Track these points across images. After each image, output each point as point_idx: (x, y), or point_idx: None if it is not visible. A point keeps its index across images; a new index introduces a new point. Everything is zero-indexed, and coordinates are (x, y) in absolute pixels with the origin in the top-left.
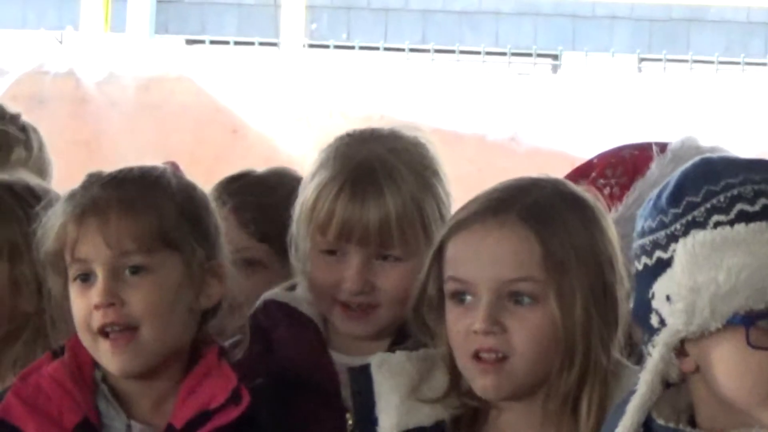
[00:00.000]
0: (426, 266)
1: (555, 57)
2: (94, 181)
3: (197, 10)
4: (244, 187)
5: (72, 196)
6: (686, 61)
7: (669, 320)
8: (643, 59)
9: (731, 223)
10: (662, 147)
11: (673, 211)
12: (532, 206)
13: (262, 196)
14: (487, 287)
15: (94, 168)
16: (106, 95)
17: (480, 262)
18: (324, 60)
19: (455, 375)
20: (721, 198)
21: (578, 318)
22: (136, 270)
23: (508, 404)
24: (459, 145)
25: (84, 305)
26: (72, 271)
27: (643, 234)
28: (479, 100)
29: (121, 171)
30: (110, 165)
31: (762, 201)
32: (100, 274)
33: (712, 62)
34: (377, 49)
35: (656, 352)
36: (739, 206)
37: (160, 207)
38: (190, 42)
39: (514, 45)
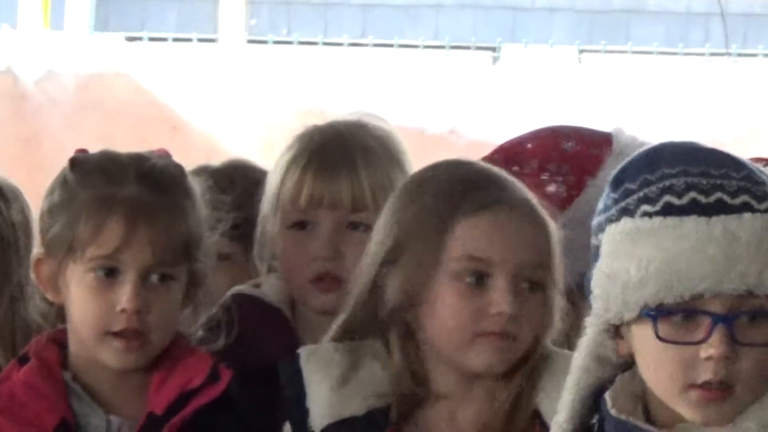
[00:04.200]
0: (431, 246)
1: (494, 49)
2: (124, 172)
3: (137, 5)
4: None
5: (95, 181)
6: (625, 51)
7: (593, 304)
8: (582, 51)
9: (655, 214)
10: (601, 141)
11: (613, 195)
12: (525, 195)
13: (224, 191)
14: (509, 270)
15: (35, 166)
16: (45, 93)
17: (505, 243)
18: (263, 55)
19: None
20: (654, 188)
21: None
22: (162, 278)
23: (454, 383)
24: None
25: (103, 303)
26: (94, 263)
27: (596, 215)
28: (418, 93)
29: (148, 166)
30: (51, 162)
31: (691, 194)
32: (131, 277)
33: (651, 53)
34: (316, 44)
35: (588, 331)
36: (666, 198)
37: (193, 217)
38: (129, 39)
39: (454, 38)
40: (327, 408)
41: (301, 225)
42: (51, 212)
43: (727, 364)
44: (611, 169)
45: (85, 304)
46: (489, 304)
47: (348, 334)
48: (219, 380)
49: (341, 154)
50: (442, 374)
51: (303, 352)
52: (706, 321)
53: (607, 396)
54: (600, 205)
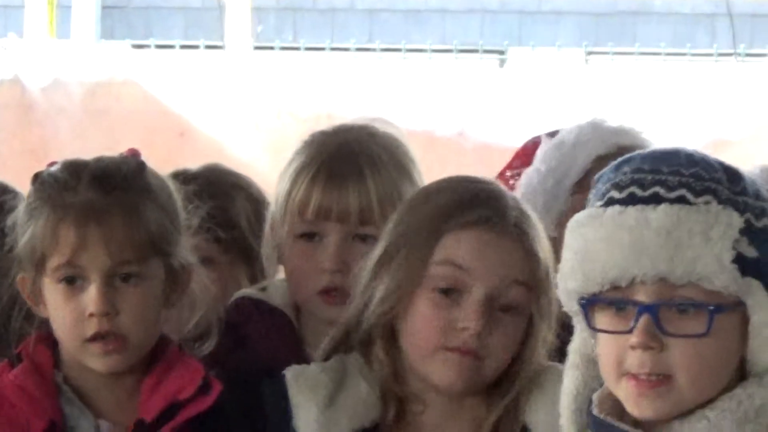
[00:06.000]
0: (418, 255)
1: (501, 53)
2: (77, 178)
3: (143, 14)
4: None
5: (50, 192)
6: (633, 53)
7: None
8: (590, 53)
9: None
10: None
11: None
12: (518, 219)
13: (211, 196)
14: (484, 288)
15: None
16: (52, 101)
17: (485, 261)
18: (270, 61)
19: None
20: (606, 185)
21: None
22: (127, 277)
23: (440, 401)
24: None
25: (74, 310)
26: (58, 273)
27: None
28: (426, 97)
29: (100, 168)
30: None
31: (631, 189)
32: (95, 281)
33: (658, 54)
34: (323, 49)
35: (576, 329)
36: (611, 193)
37: (153, 213)
38: (136, 47)
39: (462, 42)
40: (315, 430)
41: (308, 236)
42: (19, 229)
43: (652, 354)
44: (541, 154)
45: (59, 314)
46: (458, 319)
47: (337, 348)
48: (209, 392)
49: (350, 166)
50: (424, 389)
51: (289, 373)
52: (634, 311)
53: (594, 396)
54: None
